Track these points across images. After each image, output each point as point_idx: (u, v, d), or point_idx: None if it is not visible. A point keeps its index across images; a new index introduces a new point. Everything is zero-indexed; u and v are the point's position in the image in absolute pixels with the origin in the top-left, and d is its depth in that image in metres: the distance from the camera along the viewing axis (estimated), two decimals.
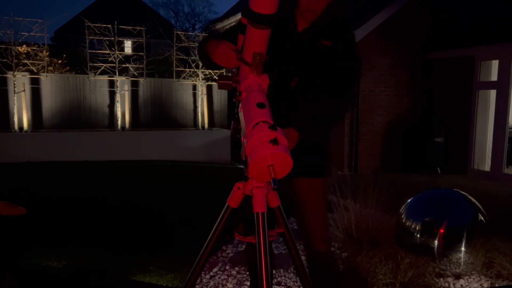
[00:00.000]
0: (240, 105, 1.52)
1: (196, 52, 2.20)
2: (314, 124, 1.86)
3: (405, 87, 8.23)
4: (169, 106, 10.22)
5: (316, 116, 1.87)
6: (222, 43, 1.61)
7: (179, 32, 10.18)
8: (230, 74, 1.63)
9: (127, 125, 9.64)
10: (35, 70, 9.13)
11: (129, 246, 3.78)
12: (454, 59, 7.87)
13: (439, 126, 7.81)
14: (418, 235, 3.30)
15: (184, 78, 10.04)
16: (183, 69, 9.99)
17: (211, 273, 3.21)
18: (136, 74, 9.96)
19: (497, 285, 3.04)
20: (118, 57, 9.47)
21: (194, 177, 7.34)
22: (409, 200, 3.54)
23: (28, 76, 9.15)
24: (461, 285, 3.04)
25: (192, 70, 9.86)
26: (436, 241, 3.20)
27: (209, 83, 10.05)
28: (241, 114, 1.50)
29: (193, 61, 9.78)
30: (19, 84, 8.90)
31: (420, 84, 8.28)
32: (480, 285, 3.05)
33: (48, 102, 9.43)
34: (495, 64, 7.52)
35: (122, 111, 9.63)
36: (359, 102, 7.76)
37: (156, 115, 10.12)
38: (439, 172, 7.62)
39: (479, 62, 7.56)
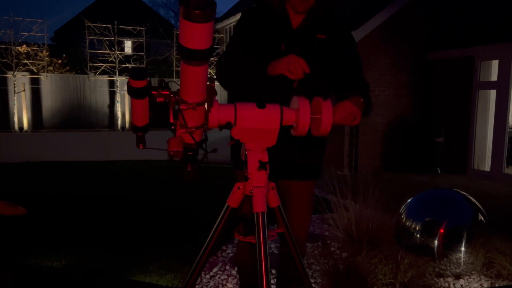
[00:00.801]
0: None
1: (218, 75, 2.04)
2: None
3: (405, 87, 8.22)
4: None
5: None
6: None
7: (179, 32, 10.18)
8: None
9: (127, 125, 9.64)
10: (35, 70, 9.13)
11: (129, 245, 3.78)
12: (454, 59, 7.87)
13: (439, 126, 7.81)
14: (418, 235, 3.30)
15: None
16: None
17: (211, 273, 3.21)
18: None
19: (497, 285, 3.04)
20: (118, 57, 9.47)
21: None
22: (409, 200, 3.54)
23: (28, 76, 9.16)
24: (461, 285, 3.04)
25: None
26: (436, 241, 3.20)
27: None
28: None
29: None
30: (19, 84, 8.90)
31: (420, 84, 8.28)
32: (480, 285, 3.05)
33: (48, 102, 9.44)
34: (495, 64, 7.52)
35: (122, 111, 9.63)
36: None
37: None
38: (439, 172, 7.61)
39: (479, 62, 7.56)
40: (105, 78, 9.71)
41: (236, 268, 3.29)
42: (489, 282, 3.08)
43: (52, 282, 3.07)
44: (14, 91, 8.82)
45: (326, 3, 1.92)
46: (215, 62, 2.04)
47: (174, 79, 9.68)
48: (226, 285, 3.04)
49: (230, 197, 1.59)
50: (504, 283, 3.04)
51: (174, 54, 9.99)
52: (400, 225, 3.46)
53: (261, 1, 1.97)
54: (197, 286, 2.97)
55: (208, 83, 1.38)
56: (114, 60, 9.46)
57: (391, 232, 3.52)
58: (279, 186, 1.85)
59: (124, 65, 9.71)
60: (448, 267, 3.19)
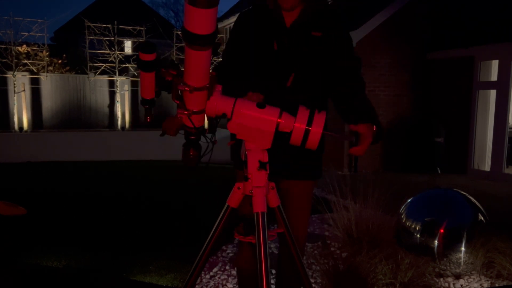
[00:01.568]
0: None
1: None
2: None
3: (405, 87, 8.22)
4: (170, 106, 10.21)
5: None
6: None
7: (179, 32, 10.18)
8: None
9: (127, 125, 9.64)
10: (35, 70, 9.13)
11: (129, 245, 3.78)
12: (454, 59, 7.87)
13: (439, 126, 7.81)
14: (418, 235, 3.30)
15: None
16: (183, 69, 9.99)
17: (211, 273, 3.21)
18: (136, 74, 9.96)
19: (497, 285, 3.04)
20: (118, 57, 9.48)
21: (195, 177, 7.33)
22: (409, 200, 3.54)
23: (28, 76, 9.16)
24: (461, 285, 3.04)
25: None
26: (436, 241, 3.20)
27: None
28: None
29: None
30: (19, 84, 8.90)
31: (420, 84, 8.28)
32: (480, 285, 3.05)
33: (48, 102, 9.44)
34: (495, 64, 7.52)
35: (122, 111, 9.63)
36: None
37: (156, 115, 10.12)
38: (439, 172, 7.61)
39: (479, 62, 7.56)
40: (105, 78, 9.71)
41: (236, 269, 3.29)
42: (489, 282, 3.08)
43: (52, 282, 3.07)
44: (14, 91, 8.82)
45: (321, 1, 1.90)
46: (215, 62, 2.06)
47: None
48: (226, 285, 3.04)
49: (230, 197, 1.59)
50: (504, 283, 3.04)
51: (174, 54, 9.99)
52: (400, 225, 3.46)
53: (256, 2, 1.96)
54: (197, 286, 2.97)
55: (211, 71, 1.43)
56: (114, 60, 9.46)
57: (391, 232, 3.52)
58: (279, 186, 1.85)
59: (124, 65, 9.71)
60: (448, 267, 3.19)
